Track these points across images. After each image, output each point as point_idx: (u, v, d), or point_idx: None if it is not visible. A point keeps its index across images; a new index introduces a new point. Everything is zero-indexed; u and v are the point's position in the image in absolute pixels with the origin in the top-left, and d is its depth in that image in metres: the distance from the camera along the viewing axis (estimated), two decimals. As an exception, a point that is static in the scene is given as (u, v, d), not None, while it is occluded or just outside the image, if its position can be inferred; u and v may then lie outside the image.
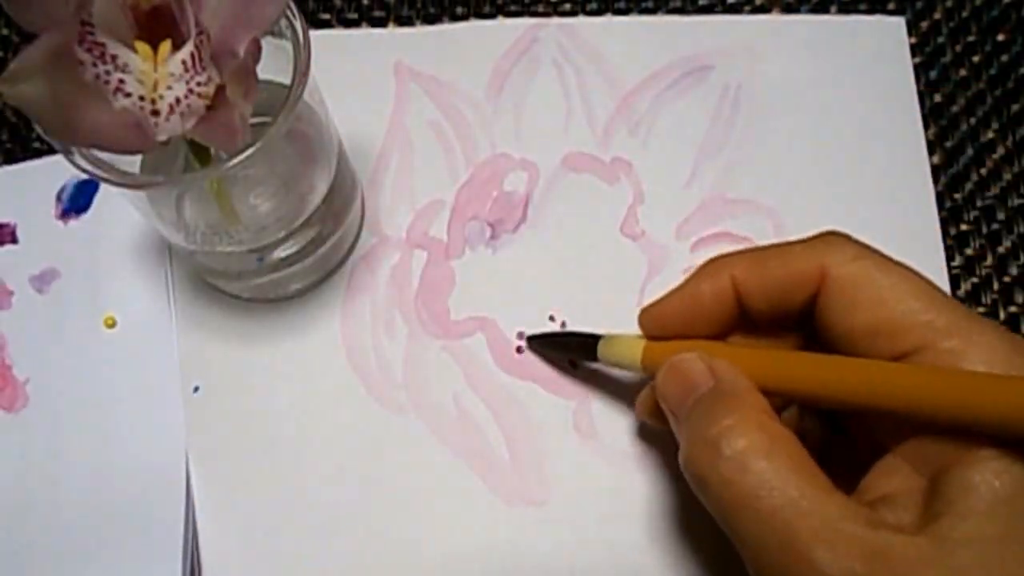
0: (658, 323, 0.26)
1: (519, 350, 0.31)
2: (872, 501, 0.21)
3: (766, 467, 0.20)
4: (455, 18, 0.36)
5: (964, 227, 0.33)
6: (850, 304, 0.22)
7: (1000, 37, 0.36)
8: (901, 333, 0.21)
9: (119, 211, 0.33)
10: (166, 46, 0.21)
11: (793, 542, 0.19)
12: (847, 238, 0.23)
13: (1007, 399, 0.19)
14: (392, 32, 0.36)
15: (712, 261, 0.25)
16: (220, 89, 0.21)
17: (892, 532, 0.19)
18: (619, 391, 0.30)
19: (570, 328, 0.31)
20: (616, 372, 0.31)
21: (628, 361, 0.27)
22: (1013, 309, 0.32)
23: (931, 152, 0.34)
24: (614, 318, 0.29)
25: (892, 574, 0.19)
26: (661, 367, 0.25)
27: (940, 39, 0.36)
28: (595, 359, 0.28)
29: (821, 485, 0.20)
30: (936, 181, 0.33)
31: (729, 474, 0.21)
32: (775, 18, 0.36)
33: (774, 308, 0.24)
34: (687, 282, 0.25)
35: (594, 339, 0.28)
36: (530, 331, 0.31)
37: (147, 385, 0.31)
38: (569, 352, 0.30)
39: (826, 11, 0.36)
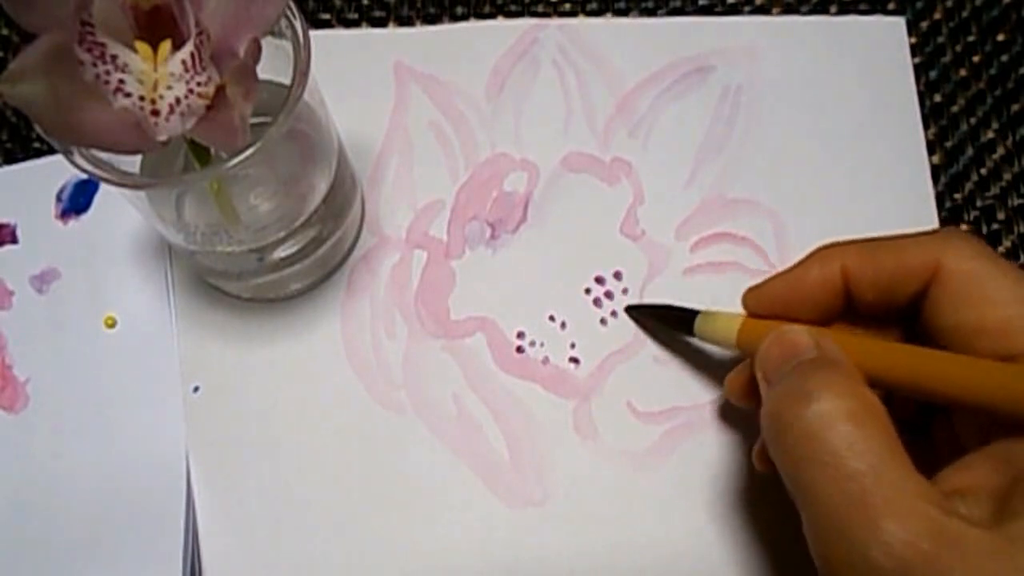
0: (762, 303, 0.26)
1: (519, 350, 0.31)
2: (946, 492, 0.21)
3: (852, 430, 0.20)
4: (455, 18, 0.36)
5: (964, 227, 0.33)
6: (961, 300, 0.22)
7: (1000, 37, 0.36)
8: (1009, 335, 0.21)
9: (119, 211, 0.33)
10: (166, 46, 0.21)
11: (864, 507, 0.19)
12: (967, 235, 0.23)
13: None
14: (392, 32, 0.36)
15: (823, 248, 0.25)
16: (220, 89, 0.21)
17: (964, 522, 0.19)
18: (619, 391, 0.30)
19: (570, 328, 0.31)
20: (616, 372, 0.31)
21: (724, 337, 0.27)
22: (1013, 309, 0.32)
23: (931, 152, 0.34)
24: (614, 319, 0.29)
25: (958, 559, 0.18)
26: (759, 343, 0.24)
27: (940, 39, 0.36)
28: (691, 333, 0.29)
29: (903, 461, 0.20)
30: (936, 181, 0.33)
31: (814, 428, 0.20)
32: (775, 18, 0.36)
33: (882, 299, 0.24)
34: (796, 266, 0.26)
35: (692, 313, 0.29)
36: (530, 329, 0.31)
37: (147, 385, 0.31)
38: (667, 324, 0.31)
39: (826, 11, 0.36)
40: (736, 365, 0.28)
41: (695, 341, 0.30)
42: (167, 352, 0.31)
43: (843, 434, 0.20)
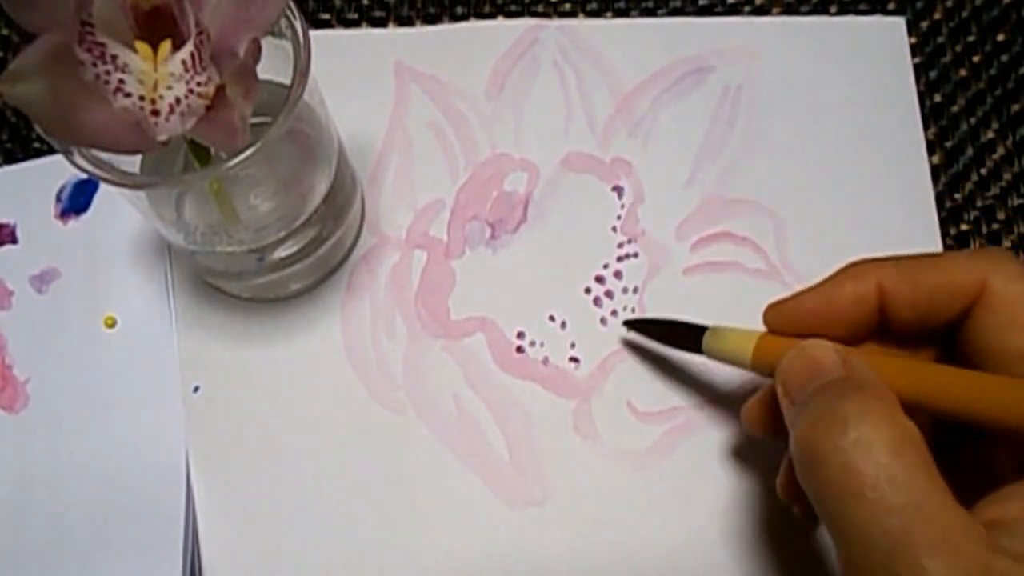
0: (788, 320, 0.25)
1: (519, 350, 0.31)
2: (994, 523, 0.20)
3: (892, 461, 0.19)
4: (455, 18, 0.36)
5: (964, 227, 0.33)
6: (1008, 324, 0.21)
7: (1000, 37, 0.36)
8: None
9: (119, 211, 0.33)
10: (166, 46, 0.21)
11: (907, 546, 0.18)
12: (1011, 256, 0.23)
13: None
14: (392, 32, 0.36)
15: (857, 264, 0.24)
16: (220, 89, 0.21)
17: (1010, 560, 0.18)
18: (619, 391, 0.30)
19: (570, 328, 0.31)
20: (617, 372, 0.31)
21: (737, 355, 0.25)
22: (1013, 309, 0.32)
23: (931, 152, 0.34)
24: (614, 318, 0.29)
25: None
26: (782, 358, 0.23)
27: (940, 39, 0.36)
28: (698, 351, 0.27)
29: (945, 494, 0.19)
30: (936, 181, 0.33)
31: (851, 459, 0.19)
32: (775, 18, 0.36)
33: (921, 319, 0.23)
34: (826, 281, 0.24)
35: (700, 330, 0.27)
36: (530, 329, 0.31)
37: (147, 385, 0.31)
38: (669, 341, 0.29)
39: (826, 11, 0.36)
40: (750, 385, 0.27)
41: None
42: (167, 352, 0.31)
43: (883, 466, 0.19)
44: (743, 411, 0.27)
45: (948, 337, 0.23)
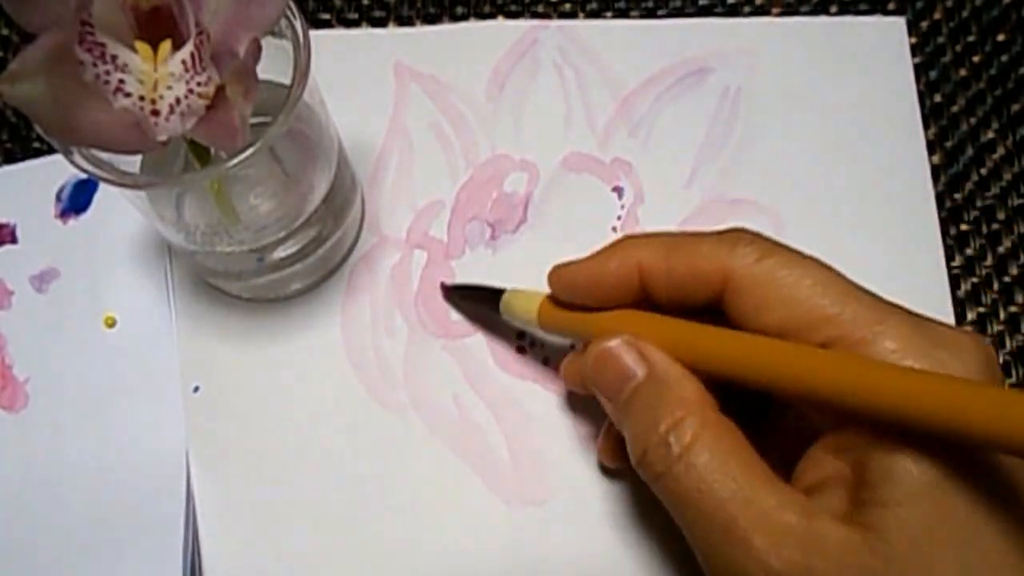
0: (565, 288, 0.26)
1: (519, 350, 0.31)
2: (804, 489, 0.21)
3: (709, 460, 0.21)
4: (455, 18, 0.36)
5: (964, 227, 0.33)
6: (757, 305, 0.22)
7: (1000, 37, 0.36)
8: (810, 330, 0.21)
9: (119, 211, 0.33)
10: (166, 46, 0.21)
11: (735, 533, 0.20)
12: (753, 236, 0.23)
13: (911, 394, 0.18)
14: (392, 32, 0.36)
15: (625, 239, 0.25)
16: (220, 89, 0.21)
17: (827, 521, 0.20)
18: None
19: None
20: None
21: (526, 318, 0.28)
22: (1013, 309, 0.32)
23: (931, 152, 0.34)
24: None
25: (828, 562, 0.19)
26: (561, 324, 0.26)
27: (940, 39, 0.36)
28: (499, 312, 0.29)
29: (760, 475, 0.21)
30: (936, 181, 0.33)
31: (680, 470, 0.21)
32: (775, 19, 0.36)
33: (677, 300, 0.24)
34: (597, 254, 0.25)
35: (500, 293, 0.29)
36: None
37: (147, 384, 0.31)
38: (480, 304, 0.31)
39: (826, 11, 0.36)
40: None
41: None
42: (167, 351, 0.31)
43: (701, 467, 0.21)
44: (562, 368, 0.28)
45: (717, 312, 0.23)
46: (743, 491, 0.20)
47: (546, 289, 0.28)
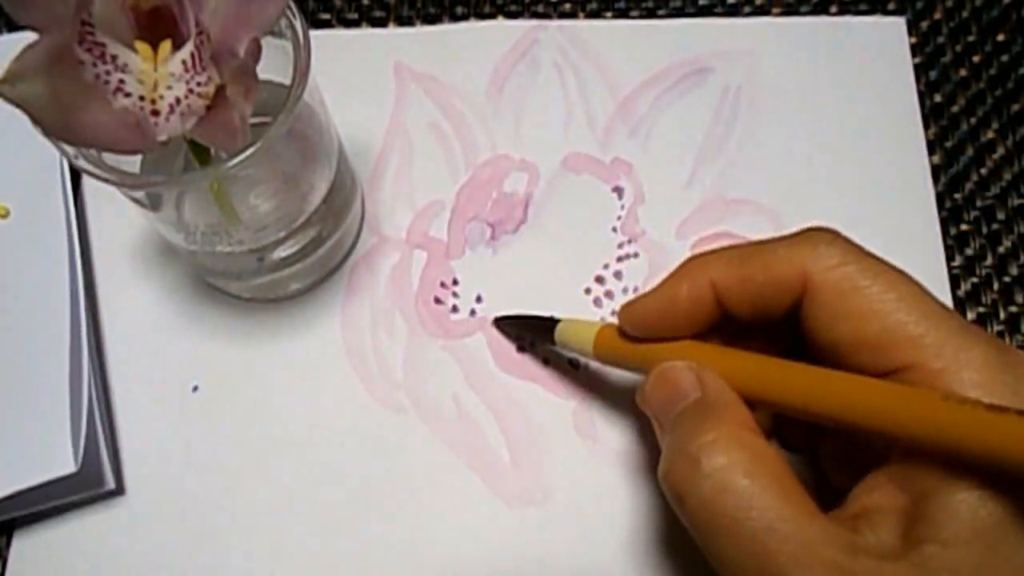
0: (636, 322, 0.25)
1: (519, 350, 0.31)
2: (855, 515, 0.20)
3: (747, 487, 0.20)
4: (455, 18, 0.36)
5: (964, 227, 0.33)
6: (834, 315, 0.21)
7: (1000, 37, 0.36)
8: (888, 349, 0.20)
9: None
10: (166, 46, 0.21)
11: (771, 566, 0.19)
12: (833, 237, 0.22)
13: (992, 433, 0.18)
14: (392, 32, 0.36)
15: (692, 260, 0.24)
16: (220, 89, 0.21)
17: (872, 558, 0.19)
18: (619, 391, 0.30)
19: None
20: (617, 373, 0.31)
21: (581, 347, 0.27)
22: (1013, 309, 0.32)
23: (931, 152, 0.34)
24: (614, 319, 0.29)
25: None
26: (617, 353, 0.25)
27: (940, 39, 0.36)
28: (553, 342, 0.29)
29: (802, 507, 0.19)
30: (936, 181, 0.33)
31: (709, 493, 0.20)
32: (775, 19, 0.36)
33: (756, 312, 0.23)
34: (665, 282, 0.24)
35: (554, 323, 0.29)
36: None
37: (37, 274, 0.30)
38: (530, 333, 0.31)
39: (826, 11, 0.36)
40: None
41: None
42: (58, 240, 0.31)
43: (736, 493, 0.20)
44: (637, 394, 0.26)
45: (798, 326, 0.23)
46: (783, 524, 0.19)
47: (543, 295, 0.28)
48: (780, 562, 0.19)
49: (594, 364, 0.31)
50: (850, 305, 0.21)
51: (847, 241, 0.22)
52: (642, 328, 0.25)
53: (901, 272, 0.21)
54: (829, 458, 0.25)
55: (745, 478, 0.20)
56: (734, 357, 0.23)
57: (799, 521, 0.19)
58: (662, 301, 0.24)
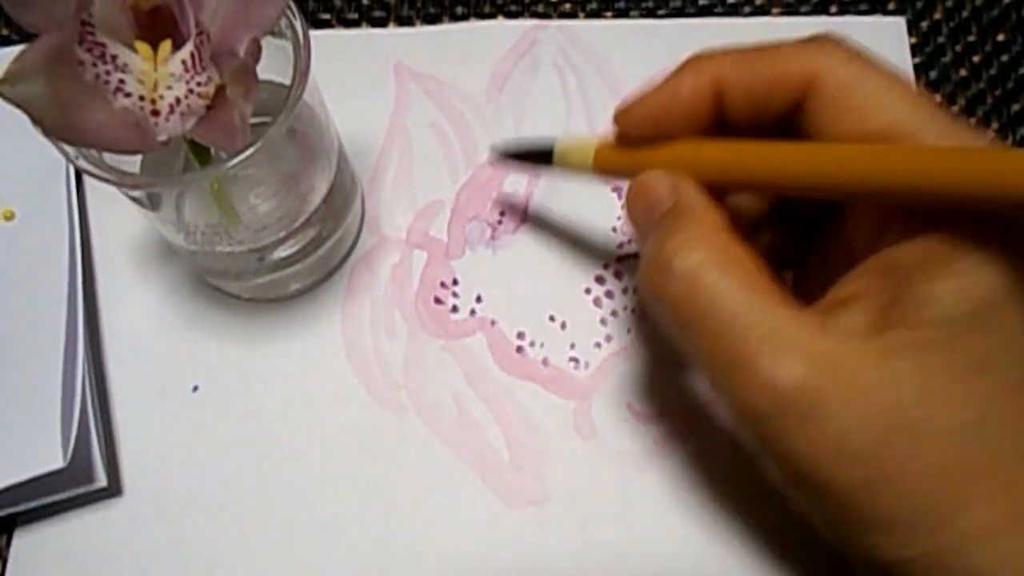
0: (633, 121, 0.25)
1: (519, 350, 0.31)
2: (833, 303, 0.21)
3: (716, 281, 0.20)
4: (455, 18, 0.36)
5: (964, 227, 0.33)
6: (839, 110, 0.21)
7: (1000, 37, 0.36)
8: (893, 140, 0.20)
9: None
10: (166, 46, 0.21)
11: (741, 353, 0.19)
12: (840, 40, 0.22)
13: (992, 166, 0.18)
14: (392, 32, 0.36)
15: (697, 57, 0.24)
16: (220, 89, 0.21)
17: (840, 337, 0.19)
18: (620, 391, 0.30)
19: (570, 328, 0.31)
20: (618, 373, 0.31)
21: (581, 165, 0.27)
22: (1013, 309, 0.32)
23: (931, 152, 0.34)
24: (614, 319, 0.29)
25: (833, 378, 0.19)
26: (616, 166, 0.25)
27: (940, 39, 0.36)
28: (551, 163, 0.28)
29: (773, 296, 0.20)
30: (936, 181, 0.33)
31: (680, 291, 0.21)
32: (775, 19, 0.36)
33: (757, 110, 0.23)
34: (668, 78, 0.24)
35: (549, 149, 0.28)
36: (530, 330, 0.31)
37: (39, 274, 0.31)
38: (530, 160, 0.30)
39: (826, 11, 0.36)
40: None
41: None
42: (61, 244, 0.31)
43: (706, 288, 0.20)
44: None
45: (791, 130, 0.23)
46: (752, 311, 0.20)
47: (543, 295, 0.28)
48: (749, 348, 0.19)
49: (595, 363, 0.31)
50: (855, 100, 0.21)
51: (854, 46, 0.22)
52: (640, 125, 0.24)
53: (904, 75, 0.22)
54: (816, 267, 0.25)
55: (714, 273, 0.20)
56: (729, 146, 0.23)
57: (768, 308, 0.20)
58: (664, 96, 0.24)
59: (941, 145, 0.20)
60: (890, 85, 0.21)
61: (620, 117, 0.25)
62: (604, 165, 0.26)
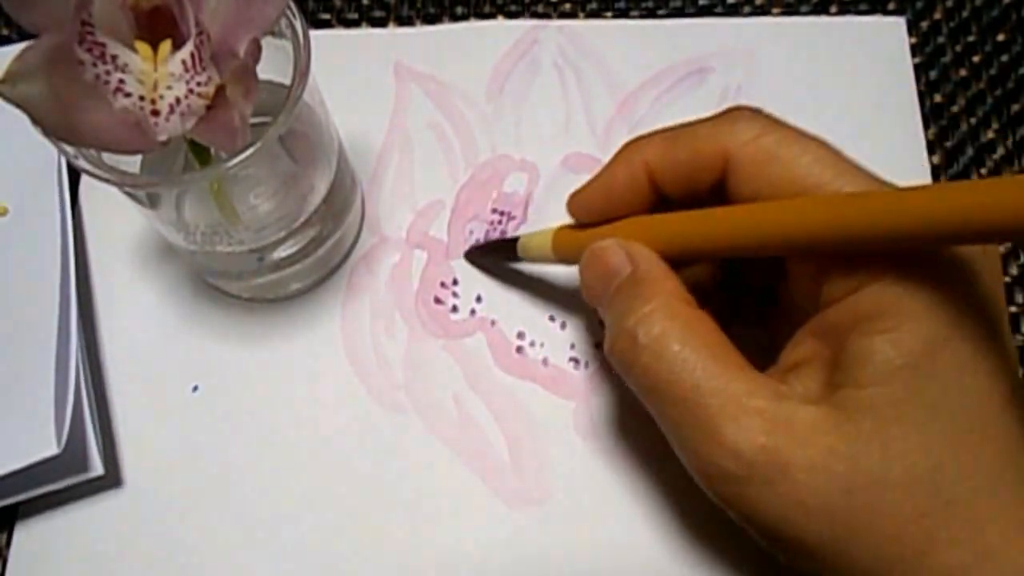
0: (580, 208, 0.26)
1: (519, 350, 0.31)
2: (786, 367, 0.22)
3: (678, 352, 0.21)
4: (455, 18, 0.36)
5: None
6: (755, 187, 0.22)
7: (1000, 37, 0.36)
8: (806, 189, 0.21)
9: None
10: (166, 46, 0.21)
11: (705, 420, 0.20)
12: (753, 114, 0.23)
13: (907, 205, 0.18)
14: (392, 32, 0.36)
15: (628, 145, 0.25)
16: (220, 89, 0.21)
17: (796, 403, 0.20)
18: (619, 392, 0.30)
19: (570, 328, 0.31)
20: (616, 373, 0.31)
21: (542, 253, 0.28)
22: (1013, 309, 0.32)
23: (931, 152, 0.34)
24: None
25: (793, 442, 0.19)
26: (576, 251, 0.25)
27: (940, 39, 0.36)
28: (518, 259, 0.30)
29: (731, 365, 0.21)
30: (936, 181, 0.33)
31: (647, 362, 0.21)
32: (775, 19, 0.36)
33: (688, 186, 0.23)
34: (605, 167, 0.25)
35: (515, 240, 0.29)
36: (530, 330, 0.31)
37: (32, 269, 0.31)
38: (498, 256, 0.31)
39: (826, 11, 0.36)
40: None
41: None
42: (54, 238, 0.31)
43: (670, 358, 0.21)
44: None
45: (727, 199, 0.23)
46: (713, 379, 0.20)
47: (543, 295, 0.28)
48: (711, 414, 0.20)
49: (595, 363, 0.31)
50: (769, 174, 0.22)
51: (767, 116, 0.23)
52: (586, 212, 0.26)
53: (815, 137, 0.22)
54: (774, 327, 0.26)
55: (676, 344, 0.21)
56: (667, 220, 0.24)
57: (727, 376, 0.21)
58: (602, 184, 0.25)
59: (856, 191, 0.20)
60: (801, 151, 0.21)
61: (569, 205, 0.26)
62: (561, 249, 0.27)
